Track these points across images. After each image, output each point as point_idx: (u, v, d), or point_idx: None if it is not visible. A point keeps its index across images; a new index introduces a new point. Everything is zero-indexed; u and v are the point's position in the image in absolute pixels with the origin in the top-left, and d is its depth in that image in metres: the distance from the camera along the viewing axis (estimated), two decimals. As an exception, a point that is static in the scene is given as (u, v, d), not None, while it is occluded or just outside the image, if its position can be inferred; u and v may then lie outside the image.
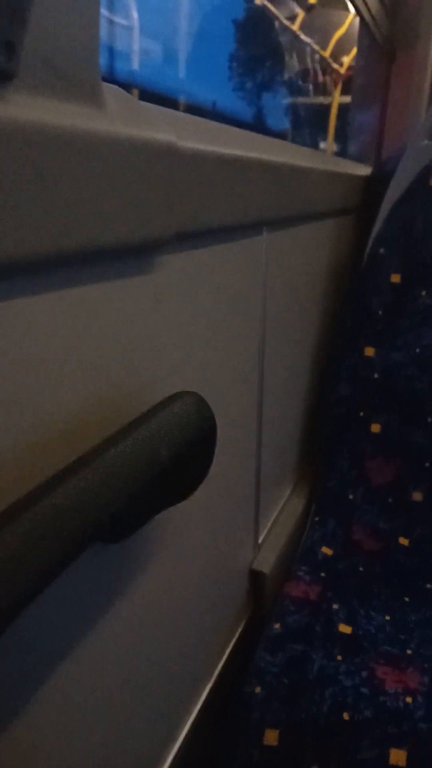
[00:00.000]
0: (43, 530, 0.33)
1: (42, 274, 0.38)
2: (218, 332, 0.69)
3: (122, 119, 0.42)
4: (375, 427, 1.18)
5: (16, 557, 0.32)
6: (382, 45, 1.66)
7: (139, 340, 0.51)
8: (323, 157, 1.17)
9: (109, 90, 0.44)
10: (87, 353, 0.44)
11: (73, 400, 0.43)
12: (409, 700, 0.79)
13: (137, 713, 0.61)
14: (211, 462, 0.54)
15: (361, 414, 1.19)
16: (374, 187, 1.38)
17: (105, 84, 0.42)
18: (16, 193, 0.32)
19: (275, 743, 0.75)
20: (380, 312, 1.20)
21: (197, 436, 0.49)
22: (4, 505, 0.34)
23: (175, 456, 0.45)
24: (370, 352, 1.19)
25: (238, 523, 0.88)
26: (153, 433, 0.43)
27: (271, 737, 0.76)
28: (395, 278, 1.20)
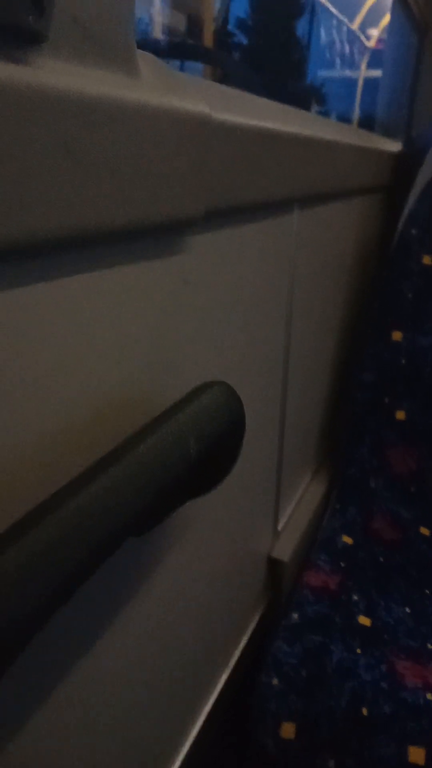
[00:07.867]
0: (72, 532, 0.31)
1: (65, 255, 0.35)
2: (245, 316, 0.66)
3: (156, 88, 0.39)
4: (399, 414, 1.15)
5: (48, 560, 0.30)
6: (417, 16, 1.59)
7: (167, 327, 0.48)
8: (354, 132, 1.12)
9: (143, 57, 0.41)
10: (111, 342, 0.41)
11: (97, 391, 0.40)
12: (429, 696, 0.77)
13: (154, 700, 0.60)
14: (238, 454, 0.52)
15: (386, 400, 1.16)
16: (405, 164, 1.33)
17: (139, 51, 0.39)
18: (40, 166, 0.29)
19: (292, 736, 0.74)
20: (410, 295, 1.16)
21: (226, 428, 0.46)
22: (29, 506, 0.32)
23: (203, 450, 0.43)
24: (397, 336, 1.15)
25: (257, 510, 0.86)
26: (182, 427, 0.41)
27: (288, 730, 0.75)
28: (427, 260, 1.16)
